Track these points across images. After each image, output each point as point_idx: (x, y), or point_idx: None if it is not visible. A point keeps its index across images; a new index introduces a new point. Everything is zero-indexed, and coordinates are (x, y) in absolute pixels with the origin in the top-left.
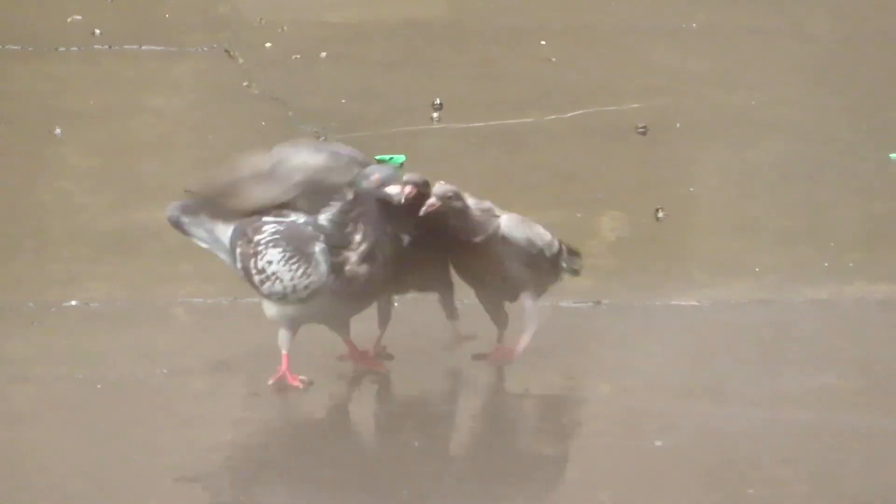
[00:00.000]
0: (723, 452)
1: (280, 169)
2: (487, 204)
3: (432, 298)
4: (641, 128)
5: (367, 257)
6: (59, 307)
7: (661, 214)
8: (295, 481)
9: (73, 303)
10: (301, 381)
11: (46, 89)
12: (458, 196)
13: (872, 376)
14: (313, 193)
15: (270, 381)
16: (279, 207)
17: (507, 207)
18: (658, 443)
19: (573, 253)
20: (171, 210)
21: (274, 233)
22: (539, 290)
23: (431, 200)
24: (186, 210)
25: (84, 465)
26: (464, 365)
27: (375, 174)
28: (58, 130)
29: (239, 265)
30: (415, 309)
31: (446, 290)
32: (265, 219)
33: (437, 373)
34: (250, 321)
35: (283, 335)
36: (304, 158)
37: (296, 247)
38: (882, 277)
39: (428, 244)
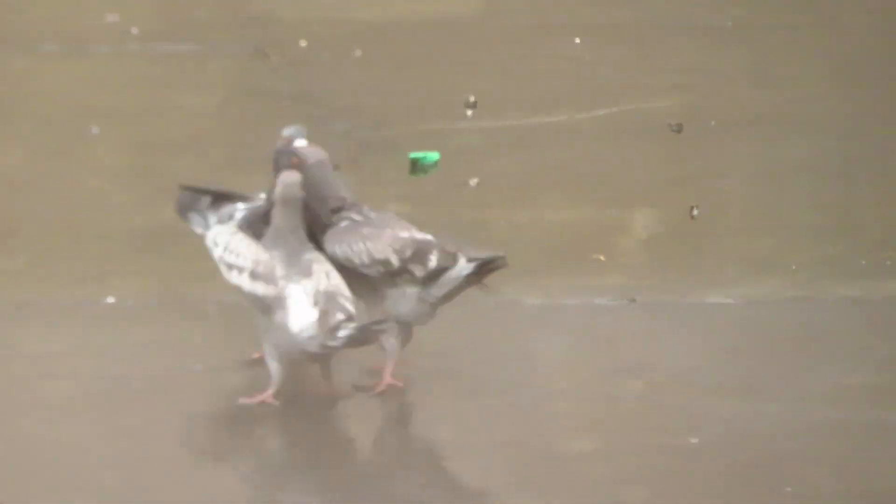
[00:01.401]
0: (757, 450)
1: None
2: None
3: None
4: (675, 125)
5: None
6: (94, 304)
7: (694, 212)
8: (328, 480)
9: (109, 300)
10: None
11: (82, 88)
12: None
13: None
14: None
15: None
16: None
17: (539, 204)
18: (693, 440)
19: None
20: None
21: None
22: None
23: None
24: None
25: (118, 461)
26: (495, 361)
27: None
28: (94, 130)
29: None
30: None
31: None
32: None
33: (470, 369)
34: None
35: None
36: None
37: None
38: None
39: None
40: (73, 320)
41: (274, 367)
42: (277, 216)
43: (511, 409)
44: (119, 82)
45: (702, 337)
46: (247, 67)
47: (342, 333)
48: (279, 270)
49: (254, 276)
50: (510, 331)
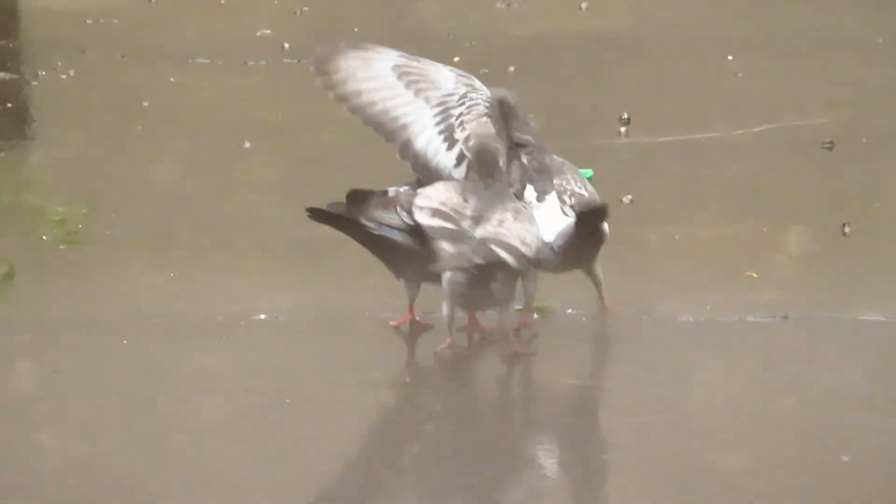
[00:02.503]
0: None
1: None
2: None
3: None
4: (827, 142)
5: None
6: (248, 320)
7: (847, 229)
8: (481, 497)
9: (262, 316)
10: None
11: (235, 102)
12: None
13: None
14: None
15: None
16: None
17: (693, 221)
18: (844, 457)
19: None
20: None
21: None
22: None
23: None
24: None
25: (271, 478)
26: (649, 378)
27: None
28: (247, 143)
29: None
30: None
31: None
32: None
33: (623, 385)
34: (437, 335)
35: None
36: None
37: None
38: None
39: None
40: (226, 336)
41: (444, 310)
42: (473, 168)
43: (665, 425)
44: (272, 96)
45: (855, 354)
46: None
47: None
48: (468, 210)
49: (435, 213)
50: (663, 347)
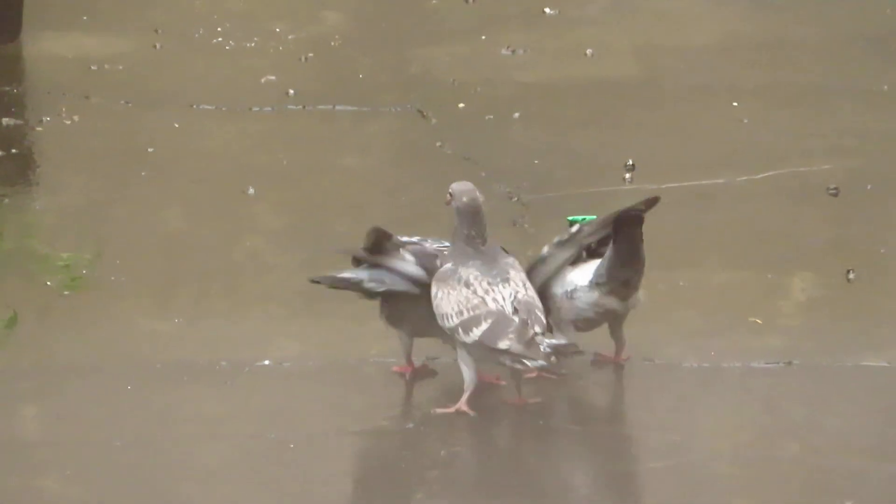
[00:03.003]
0: None
1: None
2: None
3: None
4: (832, 189)
5: None
6: (252, 366)
7: (851, 275)
8: None
9: (266, 362)
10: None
11: (240, 148)
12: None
13: None
14: None
15: None
16: None
17: (697, 267)
18: (848, 503)
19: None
20: None
21: None
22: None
23: None
24: None
25: None
26: (654, 424)
27: None
28: (251, 190)
29: None
30: None
31: None
32: None
33: (628, 431)
34: (443, 380)
35: None
36: None
37: None
38: None
39: None
40: (231, 382)
41: (468, 374)
42: (464, 225)
43: (669, 471)
44: (276, 142)
45: (859, 400)
46: (405, 129)
47: (544, 351)
48: (482, 285)
49: (465, 326)
50: (668, 393)
